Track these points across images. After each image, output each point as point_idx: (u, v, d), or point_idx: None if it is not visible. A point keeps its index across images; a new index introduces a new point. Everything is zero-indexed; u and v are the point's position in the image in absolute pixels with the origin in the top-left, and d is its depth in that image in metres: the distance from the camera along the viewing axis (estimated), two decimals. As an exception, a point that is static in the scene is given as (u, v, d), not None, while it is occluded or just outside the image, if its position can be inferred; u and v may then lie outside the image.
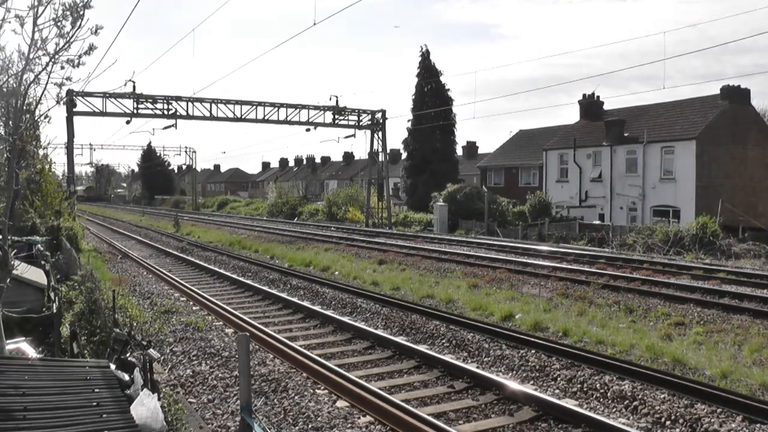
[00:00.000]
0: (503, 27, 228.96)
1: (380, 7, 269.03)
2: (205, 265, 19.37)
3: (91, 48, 5.03)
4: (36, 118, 6.35)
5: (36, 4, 4.70)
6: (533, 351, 8.72)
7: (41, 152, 16.56)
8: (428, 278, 15.77)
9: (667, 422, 6.43)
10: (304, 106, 37.03)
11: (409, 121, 47.73)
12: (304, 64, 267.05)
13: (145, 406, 3.93)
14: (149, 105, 33.61)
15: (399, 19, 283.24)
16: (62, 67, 5.13)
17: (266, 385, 7.49)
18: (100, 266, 17.05)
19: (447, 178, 41.82)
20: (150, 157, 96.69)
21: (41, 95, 5.45)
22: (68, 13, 4.81)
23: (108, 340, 6.59)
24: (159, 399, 4.42)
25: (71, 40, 4.93)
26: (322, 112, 37.33)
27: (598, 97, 42.80)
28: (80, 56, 5.06)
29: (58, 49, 4.98)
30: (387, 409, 6.43)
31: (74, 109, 31.21)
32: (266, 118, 36.22)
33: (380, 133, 39.14)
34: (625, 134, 36.98)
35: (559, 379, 7.84)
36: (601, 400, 7.18)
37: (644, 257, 19.84)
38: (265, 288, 14.79)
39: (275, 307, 13.02)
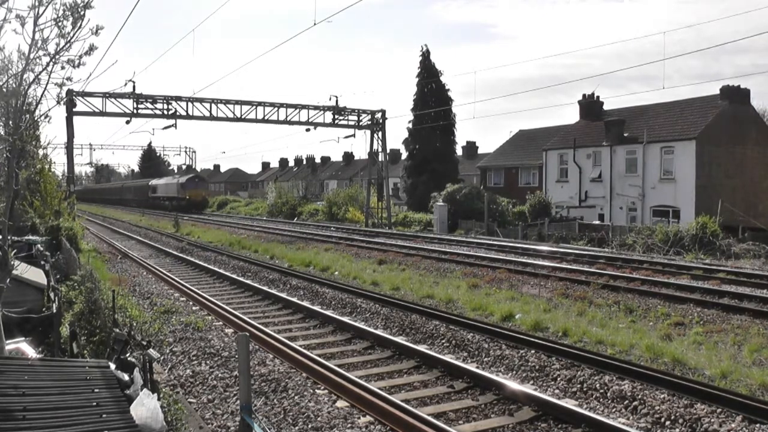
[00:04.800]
0: (501, 27, 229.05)
1: (380, 8, 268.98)
2: (205, 265, 19.37)
3: (92, 48, 5.04)
4: (36, 118, 6.36)
5: (36, 4, 4.71)
6: (533, 351, 8.73)
7: (41, 152, 16.59)
8: (428, 278, 15.77)
9: (667, 422, 6.43)
10: (304, 106, 37.06)
11: (409, 121, 47.89)
12: (304, 64, 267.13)
13: (145, 406, 3.93)
14: (149, 105, 33.64)
15: (398, 19, 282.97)
16: (63, 67, 5.14)
17: (266, 385, 7.49)
18: (100, 266, 17.05)
19: (447, 178, 41.84)
20: (150, 157, 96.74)
21: (41, 95, 5.46)
22: (69, 13, 4.82)
23: (108, 340, 6.59)
24: (159, 399, 4.42)
25: (72, 40, 4.93)
26: (322, 112, 37.37)
27: (597, 97, 42.83)
28: (81, 56, 5.07)
29: (58, 49, 4.99)
30: (387, 409, 6.43)
31: (74, 109, 31.23)
32: (266, 118, 36.26)
33: (380, 133, 39.16)
34: (625, 134, 37.00)
35: (558, 379, 7.84)
36: (601, 400, 7.19)
37: (644, 257, 19.84)
38: (265, 288, 14.79)
39: (275, 307, 13.02)
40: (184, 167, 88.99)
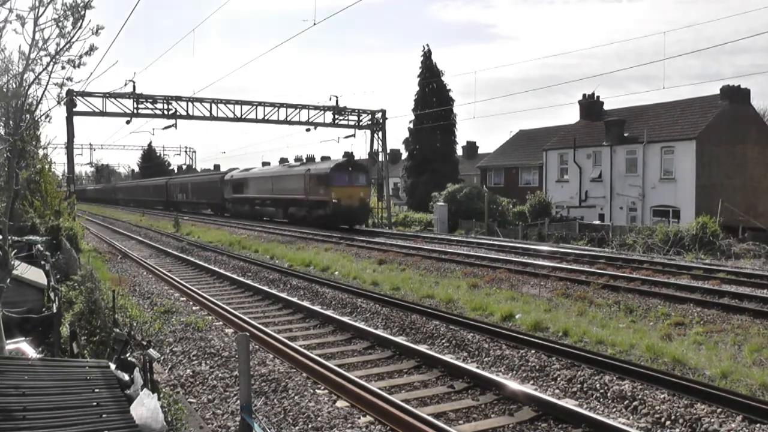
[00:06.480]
0: (500, 27, 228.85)
1: (380, 8, 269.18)
2: (205, 265, 19.37)
3: (92, 48, 5.04)
4: (36, 118, 6.36)
5: (37, 4, 4.72)
6: (533, 351, 8.73)
7: (41, 152, 16.58)
8: (428, 278, 15.76)
9: (667, 422, 6.43)
10: (304, 106, 37.10)
11: (410, 121, 47.94)
12: (304, 64, 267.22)
13: (145, 406, 3.93)
14: (149, 105, 33.72)
15: (398, 19, 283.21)
16: (63, 68, 5.15)
17: (266, 385, 7.49)
18: (100, 266, 17.06)
19: (447, 178, 41.86)
20: (150, 157, 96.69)
21: (42, 95, 5.47)
22: (69, 13, 4.82)
23: (108, 340, 6.60)
24: (159, 399, 4.42)
25: (72, 40, 4.94)
26: (322, 112, 37.43)
27: (598, 97, 42.87)
28: (81, 56, 5.08)
29: (59, 49, 4.99)
30: (387, 409, 6.43)
31: (74, 109, 31.30)
32: (266, 118, 36.33)
33: (380, 133, 39.19)
34: (625, 134, 37.02)
35: (559, 379, 7.84)
36: (601, 400, 7.19)
37: (644, 257, 19.84)
38: (265, 288, 14.79)
39: (275, 307, 13.03)
40: (184, 167, 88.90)
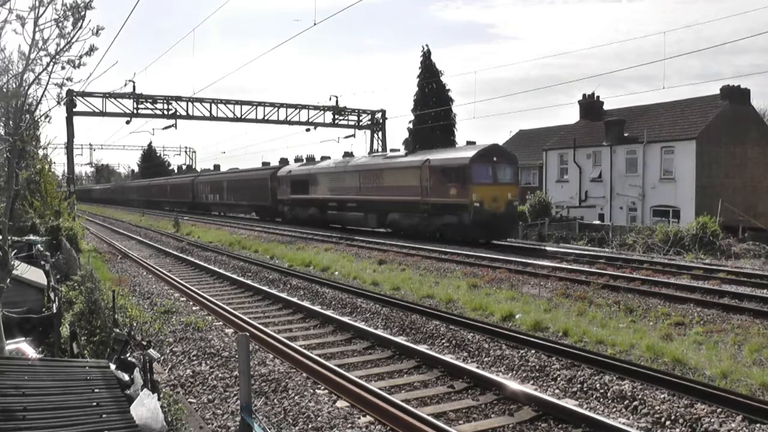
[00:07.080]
0: (500, 27, 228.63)
1: (380, 8, 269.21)
2: (205, 265, 19.37)
3: (92, 49, 5.05)
4: (36, 119, 6.37)
5: (37, 4, 4.72)
6: (533, 351, 8.73)
7: (41, 152, 16.61)
8: (428, 278, 15.76)
9: (667, 422, 6.43)
10: (304, 106, 37.14)
11: (410, 121, 47.91)
12: (304, 64, 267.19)
13: (145, 406, 3.94)
14: (149, 105, 33.78)
15: (399, 20, 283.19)
16: (63, 68, 5.16)
17: (266, 385, 7.50)
18: (100, 266, 17.06)
19: (447, 178, 41.79)
20: (150, 157, 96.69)
21: (42, 95, 5.48)
22: (69, 13, 4.83)
23: (108, 340, 6.60)
24: (159, 399, 4.42)
25: (72, 40, 4.95)
26: (322, 112, 37.48)
27: (598, 97, 42.82)
28: (81, 57, 5.09)
29: (59, 49, 5.00)
30: (387, 409, 6.43)
31: (74, 109, 31.35)
32: (266, 118, 36.39)
33: (380, 133, 39.23)
34: (625, 134, 37.00)
35: (559, 379, 7.85)
36: (601, 400, 7.19)
37: (644, 257, 19.84)
38: (265, 288, 14.79)
39: (275, 307, 13.03)
40: (184, 167, 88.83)
